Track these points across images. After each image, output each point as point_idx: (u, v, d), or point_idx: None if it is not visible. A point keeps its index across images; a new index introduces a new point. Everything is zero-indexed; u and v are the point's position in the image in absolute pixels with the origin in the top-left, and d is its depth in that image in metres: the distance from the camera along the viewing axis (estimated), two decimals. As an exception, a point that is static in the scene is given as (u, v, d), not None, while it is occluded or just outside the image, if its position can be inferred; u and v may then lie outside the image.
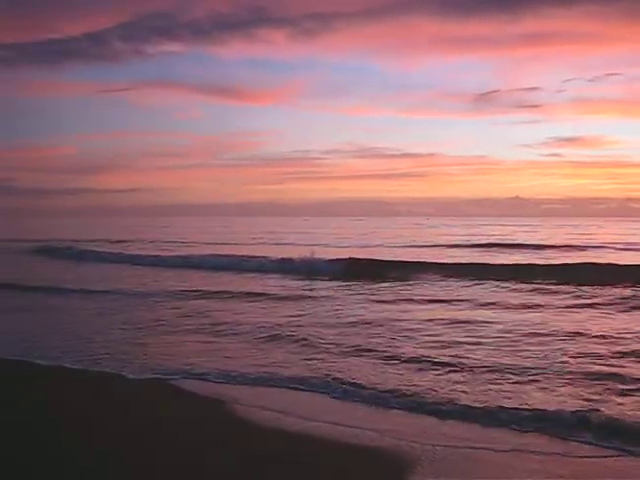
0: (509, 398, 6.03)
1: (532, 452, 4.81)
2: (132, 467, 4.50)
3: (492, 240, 32.82)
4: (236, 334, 9.47)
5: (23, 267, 21.99)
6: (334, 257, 20.19)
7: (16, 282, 15.88)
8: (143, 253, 26.80)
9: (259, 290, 14.78)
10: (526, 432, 5.22)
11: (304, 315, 11.18)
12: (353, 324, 10.15)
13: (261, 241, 37.26)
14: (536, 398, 6.04)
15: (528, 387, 6.41)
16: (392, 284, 15.54)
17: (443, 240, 34.15)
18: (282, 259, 20.61)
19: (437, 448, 4.91)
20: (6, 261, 24.73)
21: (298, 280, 17.19)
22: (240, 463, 4.66)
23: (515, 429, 5.29)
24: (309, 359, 7.79)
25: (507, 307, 11.90)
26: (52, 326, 10.27)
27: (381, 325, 9.97)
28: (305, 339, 8.88)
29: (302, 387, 6.64)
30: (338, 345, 8.49)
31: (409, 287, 15.01)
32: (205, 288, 15.09)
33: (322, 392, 6.48)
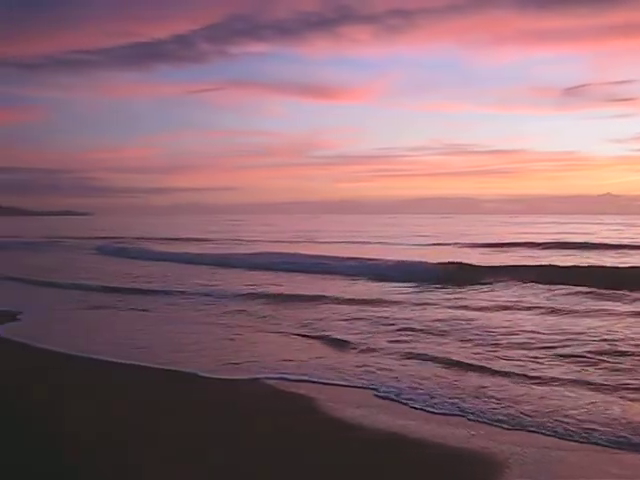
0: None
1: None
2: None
3: (590, 239, 31.11)
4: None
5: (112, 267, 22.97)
6: (436, 260, 18.58)
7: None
8: (228, 252, 27.19)
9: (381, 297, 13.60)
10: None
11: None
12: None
13: (351, 240, 37.07)
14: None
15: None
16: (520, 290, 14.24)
17: (539, 239, 32.21)
18: (374, 262, 19.43)
19: (526, 451, 4.93)
20: (77, 260, 26.26)
21: (407, 286, 15.26)
22: (336, 464, 4.81)
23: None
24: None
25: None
26: (175, 331, 10.19)
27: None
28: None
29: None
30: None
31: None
32: (332, 294, 13.84)
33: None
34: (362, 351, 8.46)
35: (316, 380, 7.07)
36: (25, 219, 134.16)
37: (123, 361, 8.04)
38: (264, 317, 11.27)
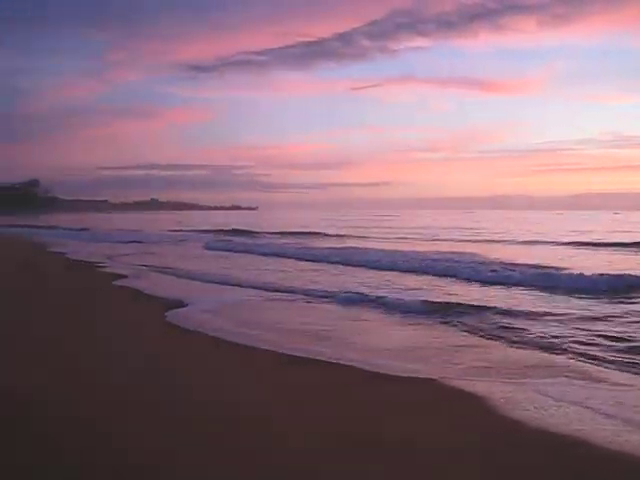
0: None
1: None
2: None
3: None
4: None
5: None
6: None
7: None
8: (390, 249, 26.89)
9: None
10: None
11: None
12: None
13: (535, 240, 34.25)
14: None
15: None
16: None
17: None
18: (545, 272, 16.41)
19: None
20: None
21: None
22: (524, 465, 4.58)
23: None
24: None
25: None
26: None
27: None
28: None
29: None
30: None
31: None
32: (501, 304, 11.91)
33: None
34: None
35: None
36: (199, 213, 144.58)
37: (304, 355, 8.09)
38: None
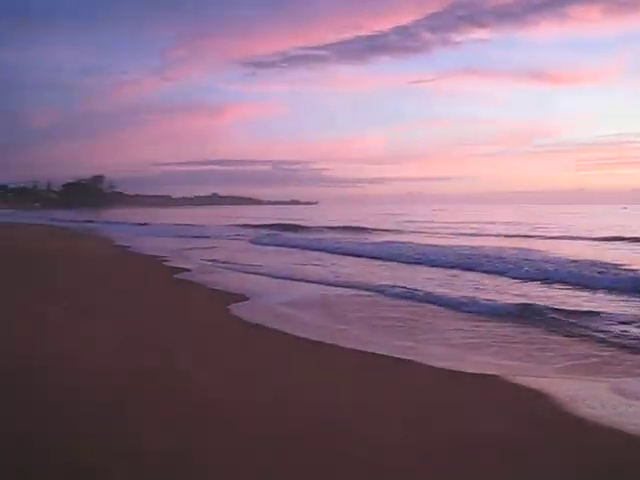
0: None
1: None
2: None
3: None
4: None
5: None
6: None
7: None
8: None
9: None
10: None
11: None
12: None
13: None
14: None
15: None
16: None
17: None
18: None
19: None
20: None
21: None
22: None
23: None
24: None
25: None
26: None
27: None
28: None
29: None
30: None
31: None
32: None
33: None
34: None
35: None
36: (259, 208, 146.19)
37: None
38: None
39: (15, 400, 5.58)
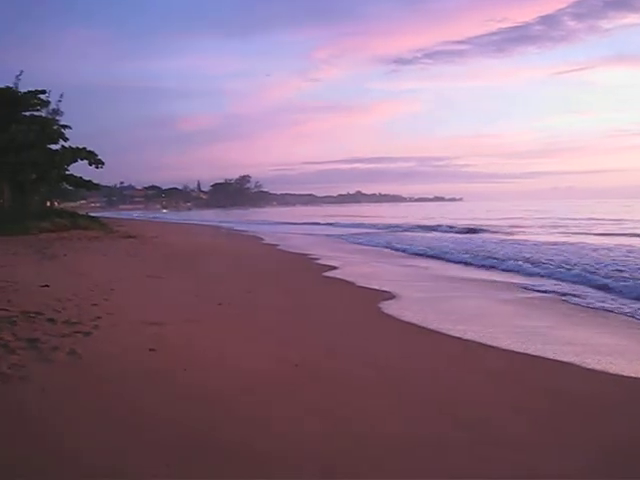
0: None
1: None
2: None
3: None
4: None
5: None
6: None
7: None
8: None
9: None
10: None
11: None
12: None
13: None
14: None
15: None
16: None
17: None
18: None
19: None
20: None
21: None
22: None
23: None
24: None
25: None
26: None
27: None
28: None
29: None
30: None
31: None
32: None
33: None
34: None
35: None
36: (403, 205, 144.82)
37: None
38: None
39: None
